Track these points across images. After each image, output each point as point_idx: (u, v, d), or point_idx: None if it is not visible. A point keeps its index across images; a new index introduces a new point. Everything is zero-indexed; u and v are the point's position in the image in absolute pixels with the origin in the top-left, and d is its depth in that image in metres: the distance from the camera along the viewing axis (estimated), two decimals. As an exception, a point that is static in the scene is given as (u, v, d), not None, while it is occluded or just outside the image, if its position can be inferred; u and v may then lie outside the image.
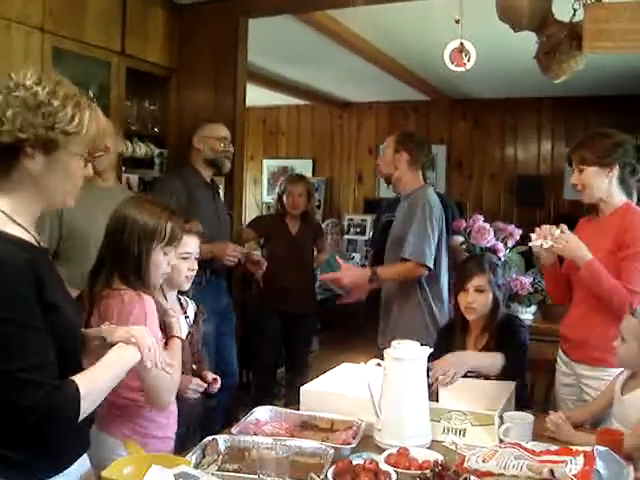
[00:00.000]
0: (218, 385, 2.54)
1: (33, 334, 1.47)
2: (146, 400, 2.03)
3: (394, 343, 2.23)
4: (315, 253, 4.90)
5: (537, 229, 2.69)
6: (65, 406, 1.49)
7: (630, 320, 2.30)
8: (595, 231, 2.74)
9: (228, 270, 3.86)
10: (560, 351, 2.86)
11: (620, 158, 2.67)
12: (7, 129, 1.49)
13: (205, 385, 2.46)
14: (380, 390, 2.20)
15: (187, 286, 2.54)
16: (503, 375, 2.60)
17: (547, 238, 2.64)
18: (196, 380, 2.43)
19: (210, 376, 2.52)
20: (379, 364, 2.22)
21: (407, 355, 2.19)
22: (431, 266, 3.39)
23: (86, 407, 1.52)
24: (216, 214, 3.78)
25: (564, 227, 2.65)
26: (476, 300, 2.80)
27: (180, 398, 2.25)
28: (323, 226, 6.83)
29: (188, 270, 2.50)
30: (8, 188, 1.54)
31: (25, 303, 1.47)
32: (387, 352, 2.22)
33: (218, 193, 3.99)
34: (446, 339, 2.91)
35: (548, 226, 2.67)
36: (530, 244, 2.74)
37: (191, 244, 2.51)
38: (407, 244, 3.37)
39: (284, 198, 4.61)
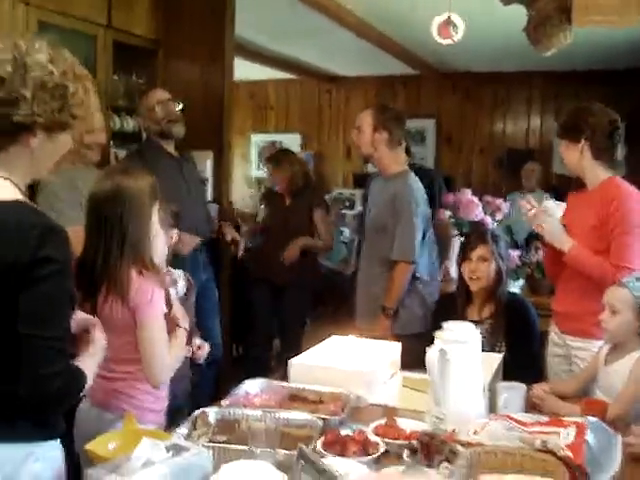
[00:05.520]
0: (205, 351, 2.55)
1: (71, 305, 1.58)
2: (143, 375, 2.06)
3: (447, 325, 2.09)
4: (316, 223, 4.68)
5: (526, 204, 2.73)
6: (81, 379, 1.59)
7: (620, 291, 2.28)
8: (581, 206, 2.75)
9: (207, 245, 3.81)
10: (553, 323, 2.90)
11: (587, 134, 2.66)
12: (25, 112, 1.48)
13: (189, 349, 2.45)
14: (438, 376, 2.02)
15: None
16: (515, 363, 2.61)
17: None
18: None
19: (196, 342, 2.53)
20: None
21: (469, 337, 2.07)
22: (416, 259, 3.37)
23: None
24: (185, 186, 3.65)
25: (550, 206, 2.67)
26: (479, 269, 2.88)
27: None
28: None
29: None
30: (6, 160, 1.54)
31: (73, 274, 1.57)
32: (444, 336, 2.05)
33: (190, 164, 3.82)
34: (446, 308, 2.96)
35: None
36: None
37: None
38: (396, 246, 3.34)
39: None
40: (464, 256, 2.99)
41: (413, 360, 2.55)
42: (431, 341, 2.09)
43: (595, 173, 2.72)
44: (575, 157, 2.71)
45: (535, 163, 6.28)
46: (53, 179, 2.95)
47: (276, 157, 4.79)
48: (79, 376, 1.59)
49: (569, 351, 2.77)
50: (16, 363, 1.50)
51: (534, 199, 2.79)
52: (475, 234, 3.09)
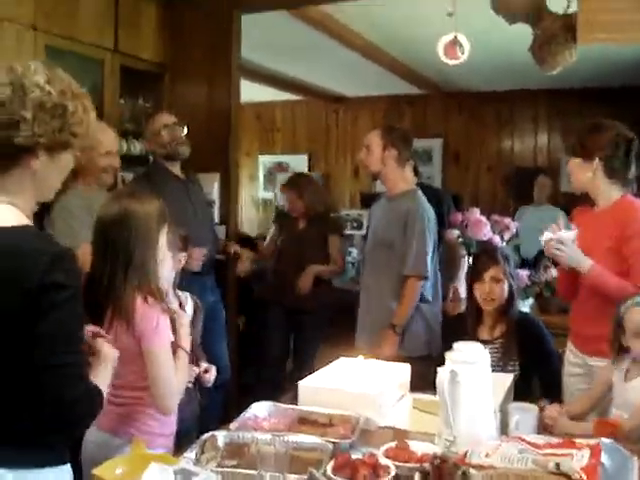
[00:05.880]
0: (212, 375, 2.52)
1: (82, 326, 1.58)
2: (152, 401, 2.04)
3: (456, 346, 2.06)
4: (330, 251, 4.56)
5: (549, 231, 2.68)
6: (98, 399, 1.59)
7: None
8: (592, 225, 2.70)
9: (213, 267, 3.79)
10: (570, 343, 2.84)
11: (602, 152, 2.61)
12: (26, 133, 1.49)
13: (196, 371, 2.44)
14: (449, 398, 1.99)
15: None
16: (529, 383, 2.61)
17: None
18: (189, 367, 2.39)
19: (203, 366, 2.51)
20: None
21: (478, 357, 2.03)
22: (429, 275, 3.38)
23: None
24: (192, 208, 3.65)
25: (564, 237, 2.62)
26: (493, 290, 2.86)
27: None
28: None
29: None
30: (9, 185, 1.54)
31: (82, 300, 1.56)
32: (453, 357, 2.02)
33: (196, 186, 3.83)
34: (456, 329, 2.93)
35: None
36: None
37: None
38: (409, 261, 3.33)
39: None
40: (476, 277, 2.96)
41: (418, 382, 2.53)
42: (436, 363, 2.07)
43: (608, 193, 2.67)
44: (587, 176, 2.66)
45: (547, 177, 6.39)
46: (70, 198, 2.97)
47: (296, 183, 4.66)
48: (97, 396, 1.59)
49: (592, 370, 2.70)
50: (28, 390, 1.48)
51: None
52: (486, 254, 3.06)
